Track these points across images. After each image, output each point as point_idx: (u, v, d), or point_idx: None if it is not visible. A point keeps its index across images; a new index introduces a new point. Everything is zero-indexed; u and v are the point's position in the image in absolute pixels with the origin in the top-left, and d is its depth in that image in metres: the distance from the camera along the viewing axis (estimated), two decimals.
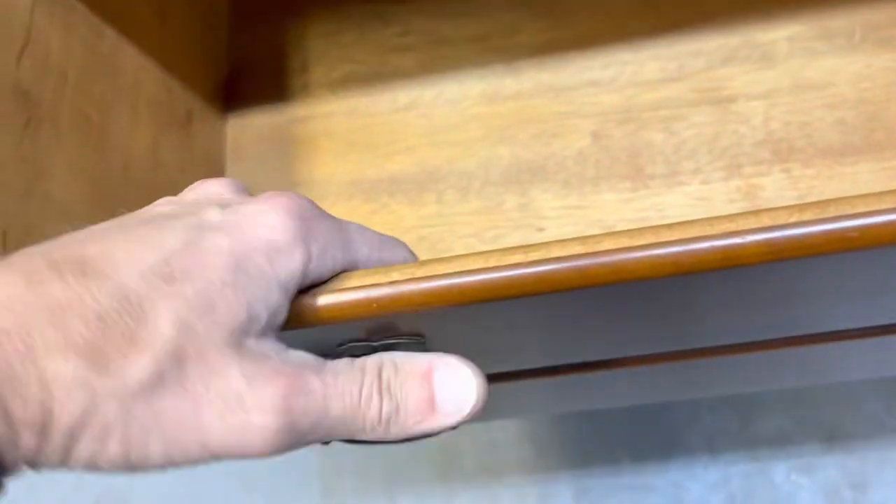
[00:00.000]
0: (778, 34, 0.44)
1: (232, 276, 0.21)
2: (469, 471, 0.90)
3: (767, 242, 0.20)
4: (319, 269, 0.23)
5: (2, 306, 0.19)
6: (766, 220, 0.21)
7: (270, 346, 0.22)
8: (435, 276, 0.22)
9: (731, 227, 0.21)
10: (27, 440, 0.19)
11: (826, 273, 0.24)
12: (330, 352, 0.25)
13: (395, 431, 0.23)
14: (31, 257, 0.20)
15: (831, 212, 0.20)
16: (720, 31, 0.45)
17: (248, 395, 0.21)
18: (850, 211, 0.20)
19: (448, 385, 0.24)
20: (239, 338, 0.21)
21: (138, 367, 0.20)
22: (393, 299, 0.22)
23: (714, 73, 0.44)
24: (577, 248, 0.22)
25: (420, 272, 0.22)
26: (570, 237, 0.22)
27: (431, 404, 0.24)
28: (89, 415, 0.19)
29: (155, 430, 0.20)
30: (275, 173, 0.48)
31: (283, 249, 0.22)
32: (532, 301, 0.23)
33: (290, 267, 0.22)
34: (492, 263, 0.22)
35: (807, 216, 0.21)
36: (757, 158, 0.42)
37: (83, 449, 0.20)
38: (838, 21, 0.44)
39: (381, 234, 0.26)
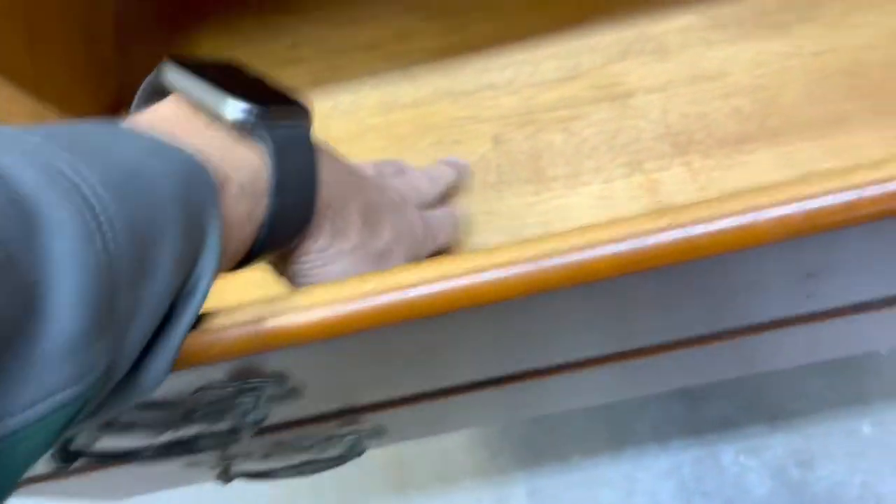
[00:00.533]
0: (672, 25, 0.44)
1: (411, 224, 0.35)
2: (423, 480, 0.88)
3: (616, 256, 0.19)
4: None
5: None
6: (619, 232, 0.20)
7: None
8: (259, 320, 0.20)
9: (581, 241, 0.19)
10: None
11: (712, 273, 0.23)
12: (186, 398, 0.24)
13: None
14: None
15: (682, 220, 0.19)
16: (615, 25, 0.44)
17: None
18: (700, 216, 0.19)
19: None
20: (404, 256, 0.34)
21: (381, 240, 0.32)
22: (232, 342, 0.20)
23: (611, 68, 0.44)
24: (430, 273, 0.21)
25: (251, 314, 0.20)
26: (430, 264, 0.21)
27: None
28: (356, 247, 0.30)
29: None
30: None
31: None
32: (401, 328, 0.22)
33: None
34: (344, 295, 0.21)
35: (662, 223, 0.20)
36: (657, 153, 0.41)
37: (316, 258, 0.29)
38: (729, 8, 0.43)
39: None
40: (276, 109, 0.27)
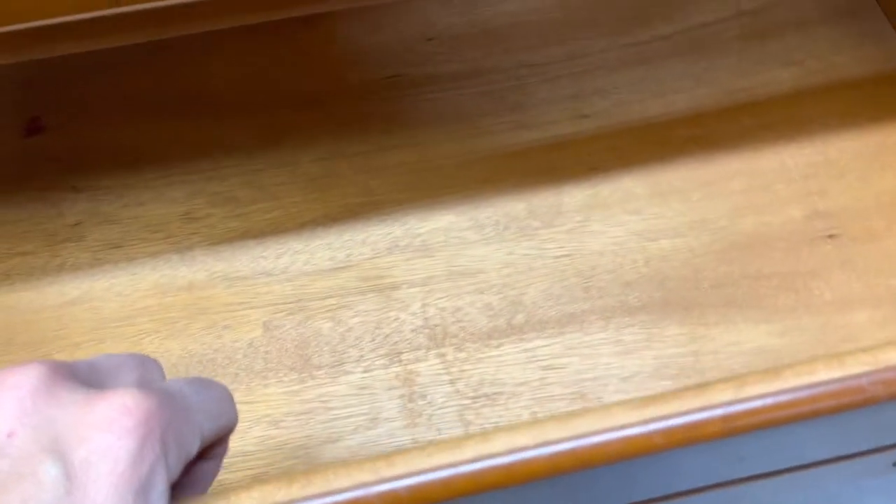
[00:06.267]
0: (436, 224, 0.48)
1: None
2: None
3: None
4: (177, 469, 0.21)
5: None
6: None
7: None
8: None
9: None
10: None
11: None
12: None
13: None
14: None
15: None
16: (385, 220, 0.48)
17: None
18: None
19: None
20: None
21: None
22: None
23: (379, 260, 0.47)
24: None
25: None
26: None
27: None
28: None
29: None
30: None
31: (145, 480, 0.20)
32: None
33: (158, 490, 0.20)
34: None
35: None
36: (415, 344, 0.44)
37: None
38: (486, 212, 0.48)
39: (210, 393, 0.25)
40: None
